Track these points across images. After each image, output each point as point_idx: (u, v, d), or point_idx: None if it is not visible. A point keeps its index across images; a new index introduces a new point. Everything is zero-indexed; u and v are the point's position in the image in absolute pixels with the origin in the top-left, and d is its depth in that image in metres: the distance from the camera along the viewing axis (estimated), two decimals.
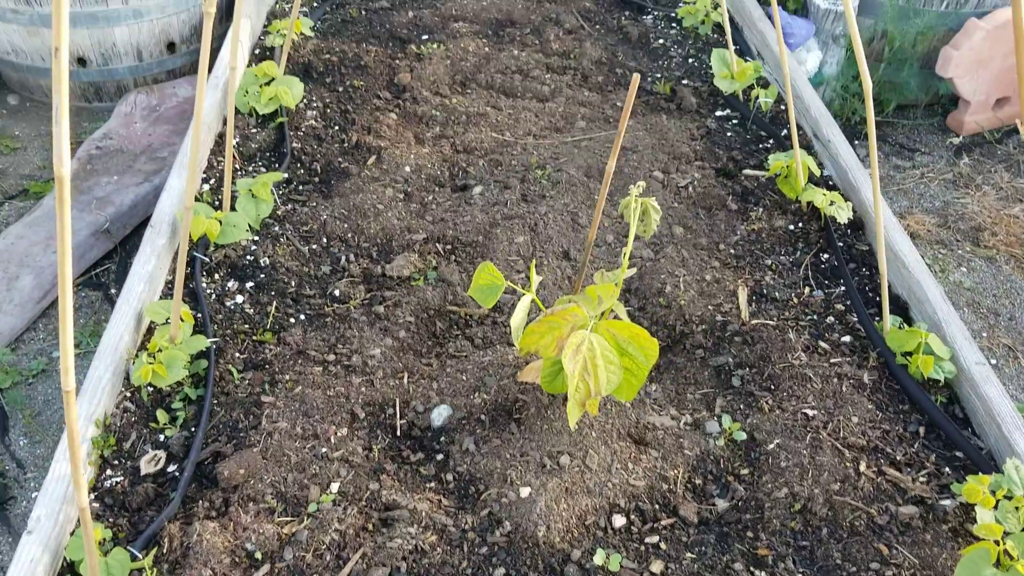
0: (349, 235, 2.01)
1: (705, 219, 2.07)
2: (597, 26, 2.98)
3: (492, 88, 2.61)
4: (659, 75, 2.69)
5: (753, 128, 2.39)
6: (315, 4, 3.04)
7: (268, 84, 2.38)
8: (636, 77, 1.29)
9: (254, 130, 2.34)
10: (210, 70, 2.37)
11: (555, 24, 2.95)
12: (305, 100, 2.47)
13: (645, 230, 1.49)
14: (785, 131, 2.34)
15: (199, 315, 1.75)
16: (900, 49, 2.77)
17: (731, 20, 2.89)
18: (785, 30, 2.73)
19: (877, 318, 1.78)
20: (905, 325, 1.76)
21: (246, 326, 1.77)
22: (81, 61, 2.76)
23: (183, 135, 2.57)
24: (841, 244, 1.97)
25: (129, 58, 2.79)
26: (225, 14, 3.01)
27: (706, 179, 2.18)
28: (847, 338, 1.75)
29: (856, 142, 2.85)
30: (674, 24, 2.96)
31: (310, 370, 1.66)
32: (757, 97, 2.38)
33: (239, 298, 1.84)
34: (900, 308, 1.83)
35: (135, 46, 2.77)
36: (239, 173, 2.19)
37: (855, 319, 1.79)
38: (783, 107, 2.45)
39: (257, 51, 2.72)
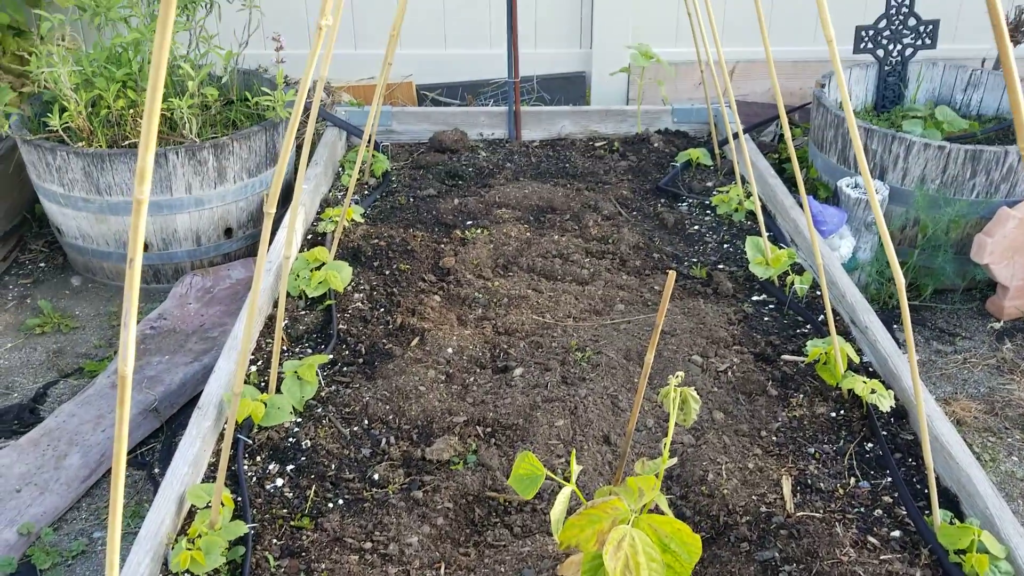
0: (390, 416, 2.04)
1: (746, 405, 2.07)
2: (634, 212, 3.10)
3: (533, 271, 2.69)
4: (695, 260, 2.77)
5: (790, 313, 2.42)
6: (366, 192, 3.21)
7: (319, 268, 2.49)
8: (672, 275, 1.34)
9: (303, 312, 2.43)
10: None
11: (594, 211, 3.07)
12: (353, 283, 2.56)
13: (685, 419, 1.50)
14: (822, 317, 2.37)
15: (239, 499, 1.76)
16: (933, 236, 2.83)
17: (764, 208, 2.98)
18: (817, 218, 2.81)
19: (927, 511, 1.73)
20: (956, 520, 1.70)
21: (284, 511, 1.77)
22: (144, 246, 2.91)
23: (234, 316, 2.67)
24: (885, 433, 1.95)
25: (188, 243, 2.94)
26: (282, 201, 3.19)
27: (745, 364, 2.19)
28: (896, 532, 1.69)
29: (896, 326, 2.86)
30: (708, 211, 3.06)
31: (346, 559, 1.64)
32: (792, 283, 2.43)
33: (279, 481, 1.85)
34: (950, 501, 1.78)
35: (195, 232, 2.93)
36: (286, 355, 2.26)
37: (904, 512, 1.74)
38: (818, 293, 2.49)
39: (310, 236, 2.85)
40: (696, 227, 2.98)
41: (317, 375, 2.11)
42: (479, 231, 2.91)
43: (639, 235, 2.89)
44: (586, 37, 4.06)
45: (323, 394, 2.11)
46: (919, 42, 3.41)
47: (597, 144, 3.68)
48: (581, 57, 4.11)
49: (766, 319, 2.41)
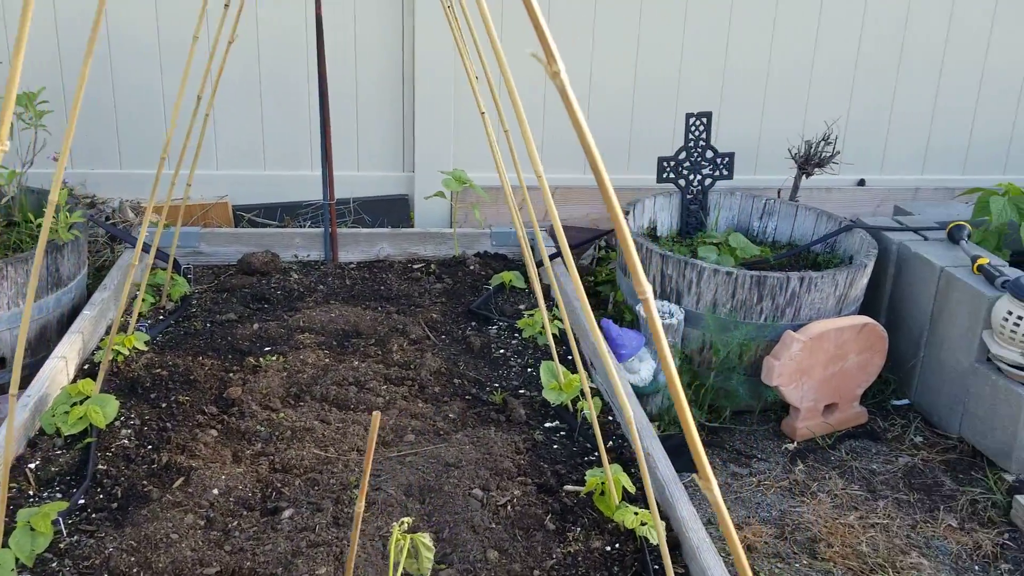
0: (135, 570, 1.85)
1: (522, 541, 2.00)
2: (443, 336, 3.05)
3: (326, 401, 2.58)
4: (496, 384, 2.73)
5: (580, 440, 2.39)
6: (161, 317, 3.04)
7: (81, 403, 2.30)
8: (376, 415, 1.27)
9: (59, 451, 2.23)
10: (24, 387, 2.29)
11: (401, 335, 3.01)
12: (123, 417, 2.38)
13: (419, 569, 1.41)
14: (611, 442, 2.35)
15: None
16: (726, 359, 2.90)
17: (567, 332, 3.00)
18: (616, 341, 2.84)
19: None
20: None
21: None
22: None
23: None
24: (656, 567, 1.90)
25: None
26: (66, 327, 2.98)
27: (527, 496, 2.13)
28: None
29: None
30: (516, 334, 3.05)
31: None
32: (582, 409, 2.41)
33: None
34: None
35: None
36: (32, 500, 2.04)
37: None
38: (611, 417, 2.48)
39: (87, 366, 2.66)
40: (502, 351, 2.95)
41: (56, 524, 1.91)
42: (275, 358, 2.79)
43: (443, 360, 2.84)
44: (408, 161, 4.10)
45: (62, 545, 1.91)
46: (717, 172, 3.60)
47: (415, 266, 3.66)
48: (404, 180, 4.13)
49: (556, 447, 2.37)
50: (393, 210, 4.15)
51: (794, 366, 2.83)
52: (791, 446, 2.91)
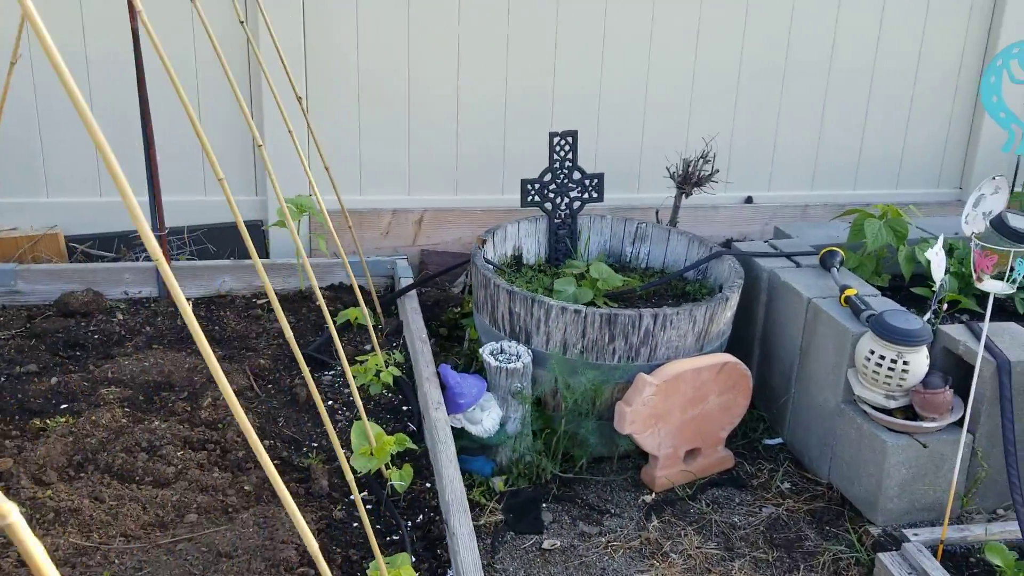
0: None
1: None
2: (269, 386, 2.76)
3: (109, 471, 2.27)
4: (316, 444, 2.44)
5: (386, 515, 2.11)
6: None
7: None
8: None
9: None
10: None
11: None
12: None
13: None
14: (423, 516, 2.07)
15: None
16: (577, 404, 2.65)
17: (402, 379, 2.72)
18: (454, 390, 2.57)
19: None
20: None
21: None
22: None
23: None
24: None
25: None
26: None
27: None
28: None
29: (544, 504, 2.62)
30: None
31: None
32: (388, 480, 2.13)
33: None
34: None
35: None
36: None
37: None
38: (428, 486, 2.21)
39: None
40: (331, 402, 2.66)
41: None
42: (66, 419, 2.47)
43: (260, 416, 2.54)
44: (261, 184, 3.78)
45: None
46: (586, 195, 3.35)
47: (259, 302, 3.35)
48: (257, 205, 3.81)
49: (355, 525, 2.08)
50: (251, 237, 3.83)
51: (648, 411, 2.59)
52: (649, 498, 2.67)
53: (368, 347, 3.03)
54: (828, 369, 2.70)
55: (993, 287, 2.08)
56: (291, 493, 2.19)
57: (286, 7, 3.50)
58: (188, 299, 3.33)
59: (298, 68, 3.57)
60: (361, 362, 2.73)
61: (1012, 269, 2.02)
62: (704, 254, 3.19)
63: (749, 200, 4.15)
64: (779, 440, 2.99)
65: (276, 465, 2.32)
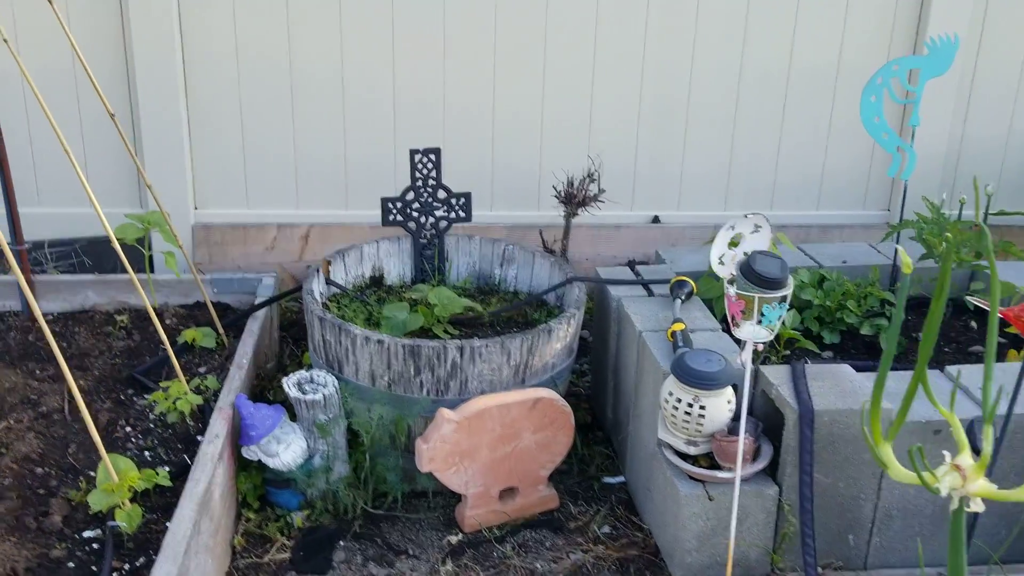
0: None
1: None
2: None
3: None
4: (93, 475, 2.37)
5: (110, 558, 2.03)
6: None
7: None
8: None
9: None
10: None
11: (31, 407, 2.66)
12: None
13: None
14: (143, 558, 1.99)
15: None
16: (376, 439, 2.54)
17: (205, 406, 2.64)
18: (247, 420, 2.48)
19: None
20: None
21: None
22: None
23: None
24: None
25: None
26: None
27: None
28: None
29: (341, 542, 2.52)
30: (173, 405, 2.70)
31: None
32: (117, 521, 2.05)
33: None
34: None
35: None
36: None
37: None
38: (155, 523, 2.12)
39: None
40: (129, 429, 2.60)
41: None
42: None
43: (49, 443, 2.49)
44: (146, 196, 3.74)
45: None
46: (452, 214, 3.23)
47: (120, 318, 3.30)
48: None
49: (71, 565, 2.00)
50: (130, 252, 3.80)
51: (449, 448, 2.47)
52: (455, 539, 2.55)
53: (204, 368, 2.96)
54: (650, 408, 2.54)
55: (748, 334, 1.91)
56: (23, 526, 2.12)
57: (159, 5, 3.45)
58: (49, 314, 3.31)
59: (177, 75, 3.53)
60: (165, 388, 2.66)
61: (762, 315, 1.85)
62: (563, 278, 3.05)
63: (656, 220, 3.99)
64: (621, 479, 2.84)
65: (33, 496, 2.25)
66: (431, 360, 2.51)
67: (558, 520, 2.64)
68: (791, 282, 1.88)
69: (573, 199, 3.51)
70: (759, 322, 1.84)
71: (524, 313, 3.06)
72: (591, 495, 2.76)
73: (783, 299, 1.89)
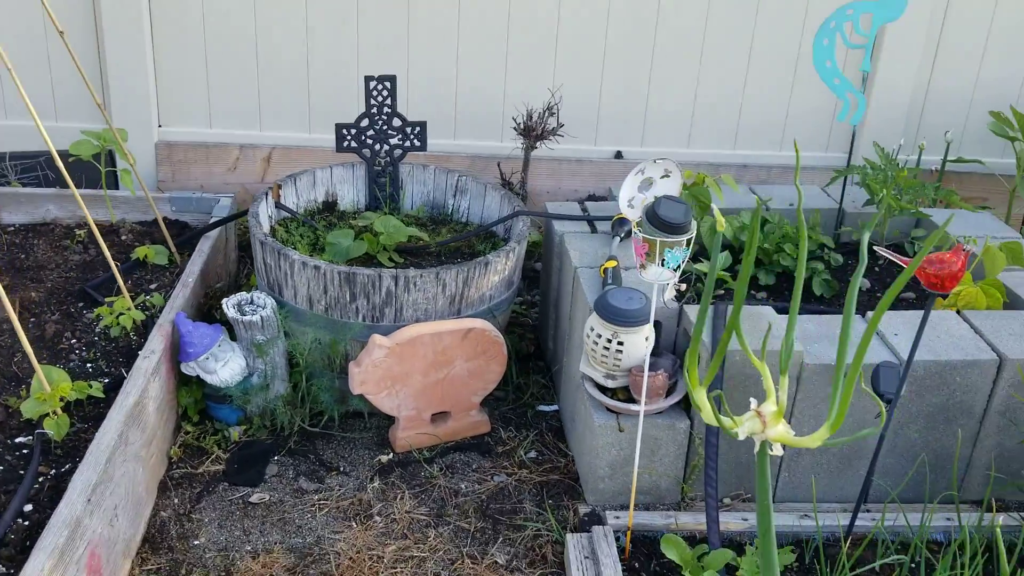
0: None
1: None
2: (32, 319, 2.78)
3: None
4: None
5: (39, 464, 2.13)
6: None
7: None
8: None
9: None
10: None
11: None
12: None
13: None
14: (69, 464, 2.09)
15: None
16: (310, 361, 2.62)
17: (150, 321, 2.72)
18: (185, 338, 2.56)
19: None
20: None
21: None
22: None
23: None
24: None
25: None
26: None
27: None
28: None
29: (276, 457, 2.63)
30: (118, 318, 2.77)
31: None
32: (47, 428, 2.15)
33: None
34: None
35: None
36: None
37: None
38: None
39: None
40: (74, 341, 2.68)
41: None
42: None
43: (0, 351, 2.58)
44: (119, 113, 3.75)
45: None
46: (407, 143, 3.26)
47: (79, 233, 3.36)
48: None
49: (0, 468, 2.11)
50: (92, 168, 3.84)
51: (381, 373, 2.55)
52: (386, 458, 2.65)
53: (154, 287, 3.03)
54: (581, 341, 2.62)
55: (653, 276, 1.96)
56: None
57: None
58: (11, 225, 3.37)
59: None
60: (110, 304, 2.73)
61: (664, 260, 1.90)
62: (511, 212, 3.09)
63: (619, 155, 4.00)
64: (555, 407, 2.93)
65: None
66: (366, 287, 2.58)
67: (487, 444, 2.74)
68: (694, 226, 1.92)
69: (531, 132, 3.53)
70: (662, 264, 1.90)
71: (471, 244, 3.11)
72: (524, 422, 2.86)
73: (688, 243, 1.94)
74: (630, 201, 2.12)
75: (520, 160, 3.66)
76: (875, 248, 2.01)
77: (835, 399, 1.05)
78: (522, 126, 3.53)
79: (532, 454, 2.70)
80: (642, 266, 1.97)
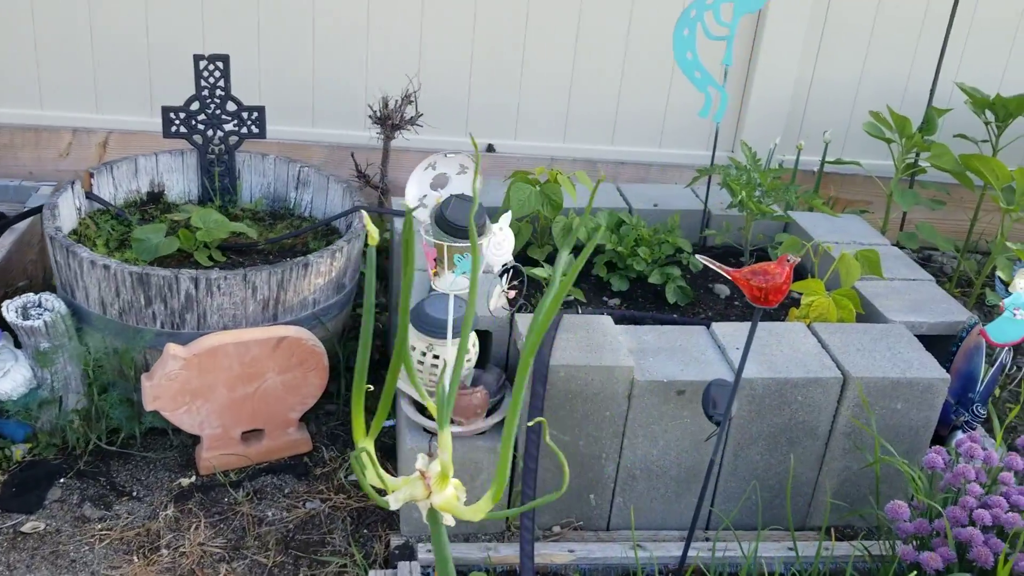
0: None
1: None
2: None
3: None
4: None
5: None
6: None
7: None
8: None
9: None
10: None
11: None
12: None
13: None
14: None
15: None
16: (95, 373, 2.34)
17: None
18: None
19: None
20: None
21: None
22: None
23: None
24: None
25: None
26: None
27: None
28: None
29: (61, 479, 2.34)
30: None
31: None
32: None
33: None
34: None
35: None
36: None
37: None
38: None
39: None
40: None
41: None
42: None
43: None
44: None
45: None
46: (244, 129, 2.98)
47: None
48: None
49: None
50: None
51: (177, 387, 2.28)
52: (187, 481, 2.38)
53: None
54: None
55: (447, 285, 1.74)
56: None
57: None
58: None
59: None
60: None
61: (454, 265, 1.67)
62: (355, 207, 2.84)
63: (491, 148, 3.78)
64: (393, 422, 2.69)
65: None
66: (162, 290, 2.30)
67: (305, 465, 2.49)
68: (492, 230, 1.70)
69: (387, 120, 3.28)
70: (452, 271, 1.67)
71: (306, 242, 2.85)
72: (350, 440, 2.61)
73: (508, 250, 1.72)
74: (422, 199, 1.88)
75: (359, 150, 3.41)
76: (697, 256, 1.81)
77: (503, 461, 0.83)
78: (378, 114, 3.27)
79: (353, 477, 2.46)
80: (435, 273, 1.73)
